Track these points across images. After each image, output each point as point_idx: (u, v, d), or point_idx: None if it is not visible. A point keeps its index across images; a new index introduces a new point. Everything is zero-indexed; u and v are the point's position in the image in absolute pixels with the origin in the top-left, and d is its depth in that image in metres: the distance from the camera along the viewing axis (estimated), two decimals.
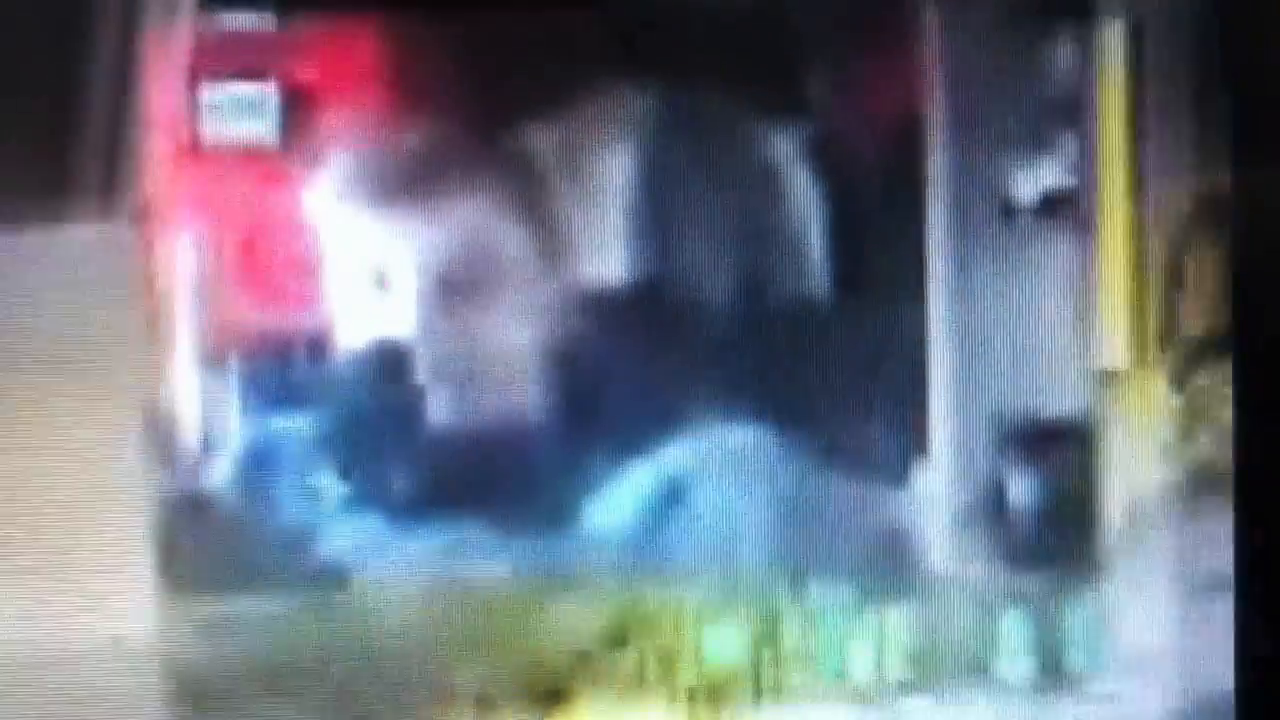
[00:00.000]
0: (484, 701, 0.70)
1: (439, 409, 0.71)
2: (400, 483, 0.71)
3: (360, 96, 0.71)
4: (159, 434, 0.69)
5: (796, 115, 0.71)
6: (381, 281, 0.71)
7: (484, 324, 0.71)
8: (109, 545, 0.68)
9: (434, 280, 0.71)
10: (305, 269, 0.71)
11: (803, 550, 0.71)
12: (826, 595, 0.71)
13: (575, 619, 0.70)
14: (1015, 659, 0.71)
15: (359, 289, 0.71)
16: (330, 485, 0.71)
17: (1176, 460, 0.71)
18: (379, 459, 0.71)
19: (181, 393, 0.70)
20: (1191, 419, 0.71)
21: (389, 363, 0.71)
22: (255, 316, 0.71)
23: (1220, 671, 0.70)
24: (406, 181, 0.71)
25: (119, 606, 0.68)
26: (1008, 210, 0.72)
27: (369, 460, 0.71)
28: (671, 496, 0.71)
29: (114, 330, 0.69)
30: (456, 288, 0.71)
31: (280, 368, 0.71)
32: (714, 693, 0.71)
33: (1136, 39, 0.71)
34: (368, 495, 0.71)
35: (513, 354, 0.71)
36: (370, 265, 0.71)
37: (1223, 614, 0.70)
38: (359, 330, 0.71)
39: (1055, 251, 0.72)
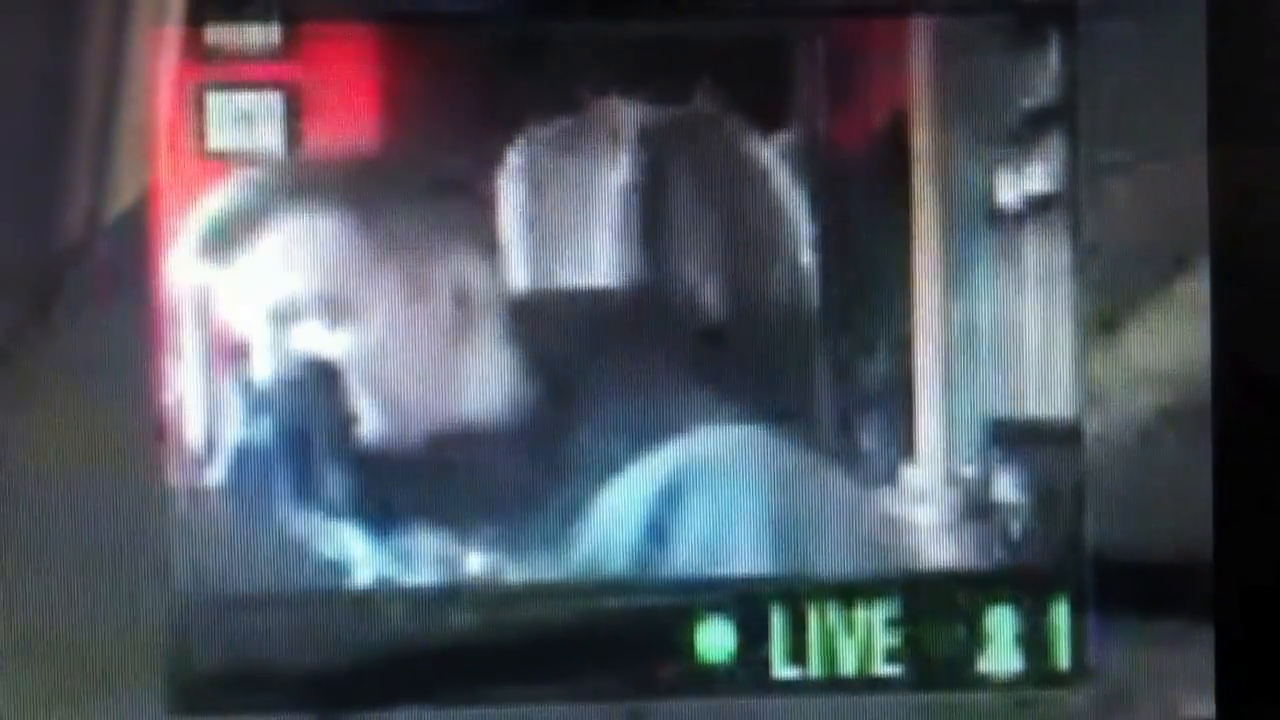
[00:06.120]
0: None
1: (438, 414, 0.72)
2: (401, 485, 0.72)
3: (360, 104, 0.71)
4: (164, 435, 0.70)
5: (784, 122, 0.72)
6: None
7: (478, 332, 0.72)
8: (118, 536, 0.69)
9: (433, 286, 0.72)
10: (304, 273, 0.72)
11: (791, 549, 0.72)
12: (815, 592, 0.72)
13: (573, 620, 0.71)
14: (1001, 656, 0.72)
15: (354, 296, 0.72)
16: (330, 489, 0.72)
17: (1159, 457, 0.72)
18: (375, 463, 0.72)
19: (185, 396, 0.71)
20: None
21: (380, 369, 0.72)
22: (255, 322, 0.72)
23: (1203, 664, 0.71)
24: (403, 187, 0.72)
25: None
26: (994, 214, 0.72)
27: (366, 464, 0.72)
28: (662, 497, 0.71)
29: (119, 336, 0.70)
30: (455, 293, 0.72)
31: (279, 373, 0.72)
32: (706, 688, 0.72)
33: (1122, 42, 0.72)
34: (367, 499, 0.72)
35: (506, 359, 0.72)
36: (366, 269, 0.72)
37: (1204, 609, 0.71)
38: (352, 335, 0.72)
39: (1041, 254, 0.73)
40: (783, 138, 0.72)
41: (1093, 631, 0.72)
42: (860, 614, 0.72)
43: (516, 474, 0.71)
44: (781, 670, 0.72)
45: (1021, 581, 0.72)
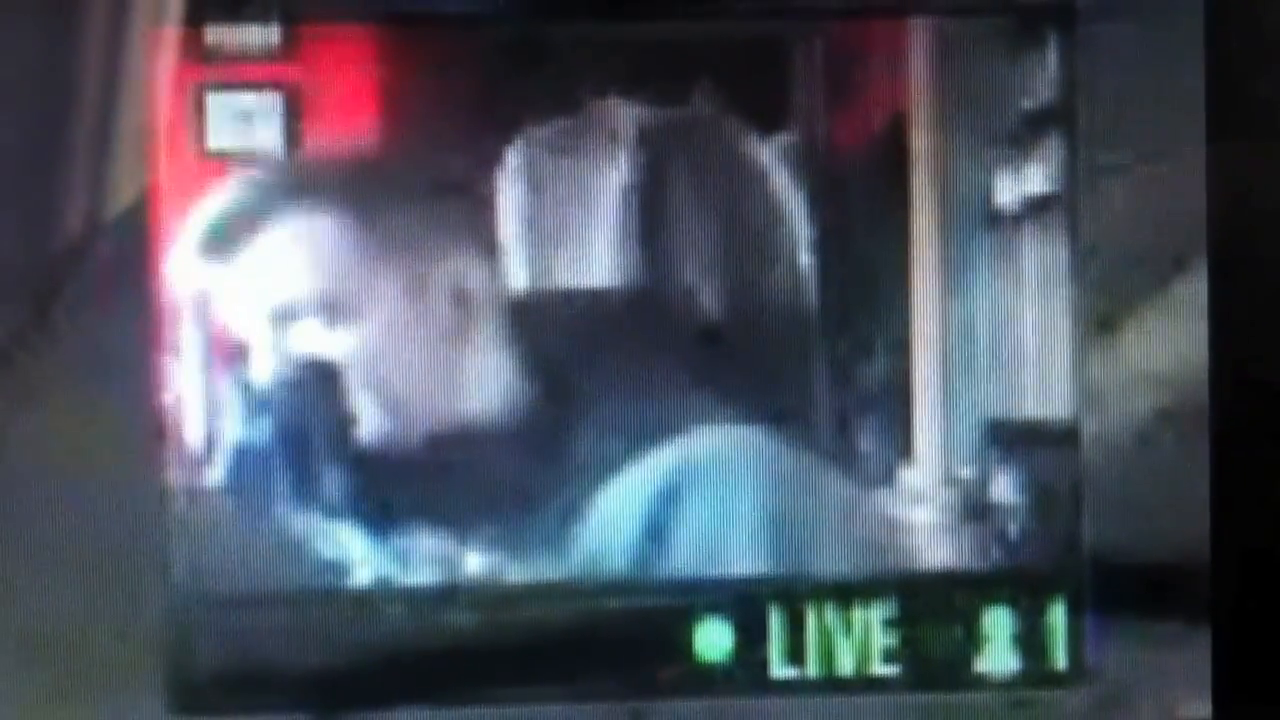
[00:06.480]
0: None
1: (437, 414, 0.72)
2: (400, 485, 0.72)
3: (359, 105, 0.71)
4: (164, 435, 0.71)
5: (783, 123, 0.72)
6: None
7: (477, 332, 0.72)
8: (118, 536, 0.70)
9: (432, 286, 0.72)
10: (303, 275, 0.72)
11: (789, 549, 0.72)
12: (813, 593, 0.72)
13: (572, 620, 0.72)
14: (998, 656, 0.72)
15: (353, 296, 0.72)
16: (329, 488, 0.72)
17: (1157, 459, 0.72)
18: (374, 463, 0.72)
19: (185, 396, 0.71)
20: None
21: (379, 369, 0.72)
22: (254, 322, 0.72)
23: (1200, 664, 0.71)
24: (402, 188, 0.72)
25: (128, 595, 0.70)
26: (992, 215, 0.73)
27: (365, 464, 0.72)
28: (660, 498, 0.72)
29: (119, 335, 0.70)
30: (453, 293, 0.73)
31: (279, 373, 0.72)
32: (704, 688, 0.72)
33: (1120, 44, 0.72)
34: (366, 499, 0.72)
35: (505, 359, 0.72)
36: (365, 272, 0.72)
37: (1201, 610, 0.71)
38: (351, 336, 0.72)
39: (1039, 256, 0.73)
40: (781, 139, 0.72)
41: (1090, 632, 0.72)
42: (858, 614, 0.72)
43: (515, 474, 0.72)
44: (779, 670, 0.72)
45: (1019, 582, 0.72)
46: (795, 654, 0.72)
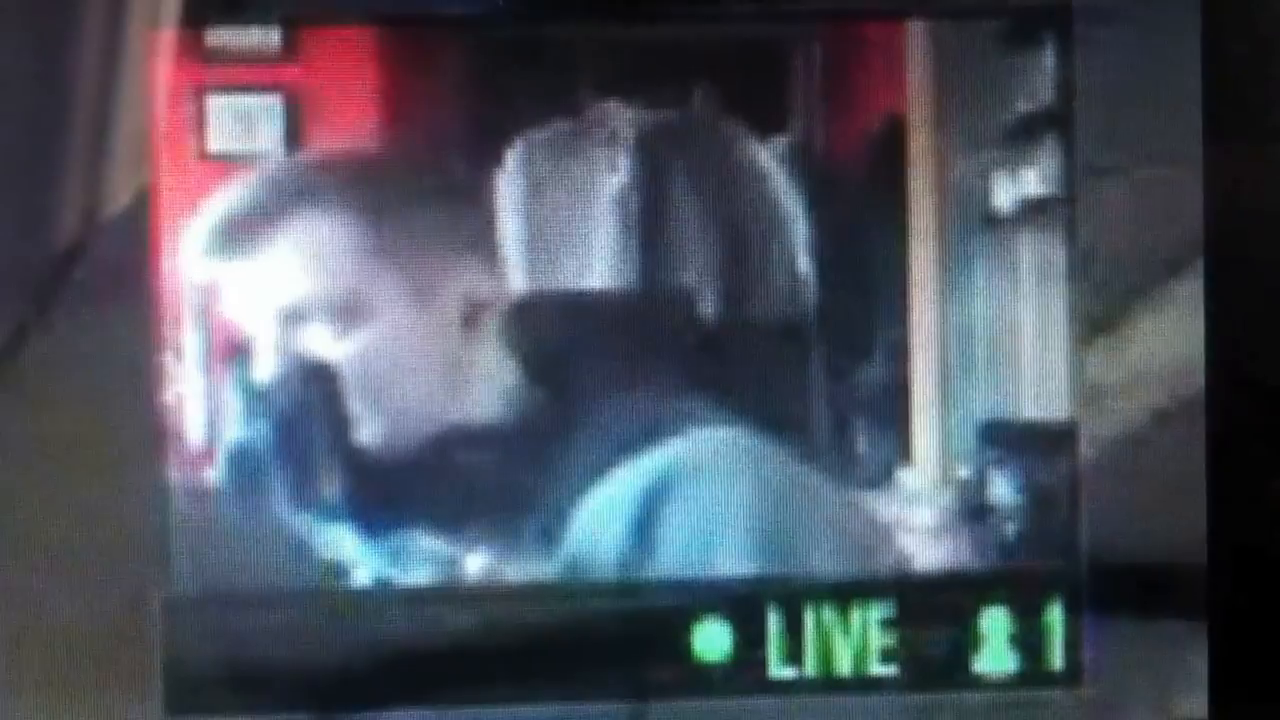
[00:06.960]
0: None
1: (435, 416, 0.73)
2: (400, 486, 0.72)
3: (359, 107, 0.72)
4: (164, 435, 0.71)
5: (781, 125, 0.72)
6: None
7: (475, 334, 0.73)
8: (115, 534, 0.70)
9: (430, 287, 0.73)
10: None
11: (787, 550, 0.72)
12: (811, 593, 0.72)
13: (570, 621, 0.72)
14: (995, 656, 0.73)
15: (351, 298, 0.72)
16: (328, 489, 0.72)
17: (1154, 459, 0.72)
18: (373, 464, 0.72)
19: (185, 396, 0.71)
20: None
21: (377, 370, 0.72)
22: (253, 324, 0.72)
23: (1197, 664, 0.71)
24: (401, 189, 0.72)
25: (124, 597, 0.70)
26: (990, 217, 0.73)
27: (364, 465, 0.72)
28: (658, 500, 0.72)
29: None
30: (450, 294, 0.73)
31: (278, 374, 0.72)
32: (703, 688, 0.72)
33: (1117, 46, 0.72)
34: (365, 500, 0.72)
35: (502, 362, 0.73)
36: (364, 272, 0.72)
37: (1198, 610, 0.71)
38: (349, 337, 0.72)
39: (1036, 257, 0.73)
40: (780, 141, 0.73)
41: (1087, 632, 0.72)
42: (856, 615, 0.72)
43: (515, 476, 0.72)
44: (778, 670, 0.72)
45: (1016, 582, 0.72)
46: (793, 654, 0.72)
